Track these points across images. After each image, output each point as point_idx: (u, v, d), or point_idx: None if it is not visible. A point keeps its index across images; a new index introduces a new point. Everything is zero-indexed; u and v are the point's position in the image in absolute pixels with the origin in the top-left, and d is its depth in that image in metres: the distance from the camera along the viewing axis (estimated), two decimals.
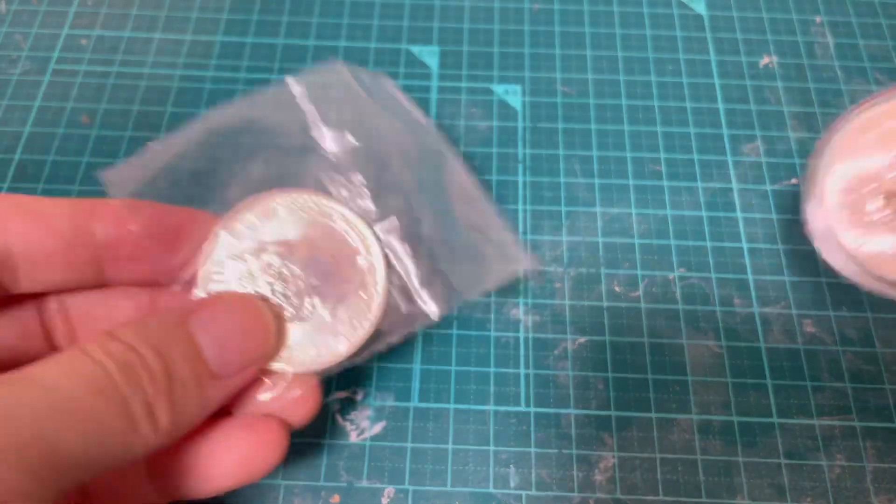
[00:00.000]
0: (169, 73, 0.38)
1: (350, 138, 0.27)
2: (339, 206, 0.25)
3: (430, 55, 0.39)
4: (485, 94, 0.37)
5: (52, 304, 0.24)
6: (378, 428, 0.29)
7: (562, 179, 0.35)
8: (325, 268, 0.24)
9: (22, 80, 0.37)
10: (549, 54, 0.39)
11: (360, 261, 0.25)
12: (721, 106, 0.37)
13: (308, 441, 0.29)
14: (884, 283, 0.22)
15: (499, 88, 0.38)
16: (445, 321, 0.31)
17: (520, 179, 0.34)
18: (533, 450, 0.29)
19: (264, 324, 0.23)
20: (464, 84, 0.38)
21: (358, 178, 0.26)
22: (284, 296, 0.24)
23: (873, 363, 0.30)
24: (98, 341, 0.20)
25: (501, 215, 0.28)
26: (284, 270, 0.24)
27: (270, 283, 0.24)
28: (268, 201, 0.25)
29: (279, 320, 0.24)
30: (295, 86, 0.27)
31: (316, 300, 0.24)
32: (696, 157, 0.35)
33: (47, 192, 0.34)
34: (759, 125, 0.37)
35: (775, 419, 0.29)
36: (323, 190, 0.26)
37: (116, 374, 0.19)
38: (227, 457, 0.23)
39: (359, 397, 0.30)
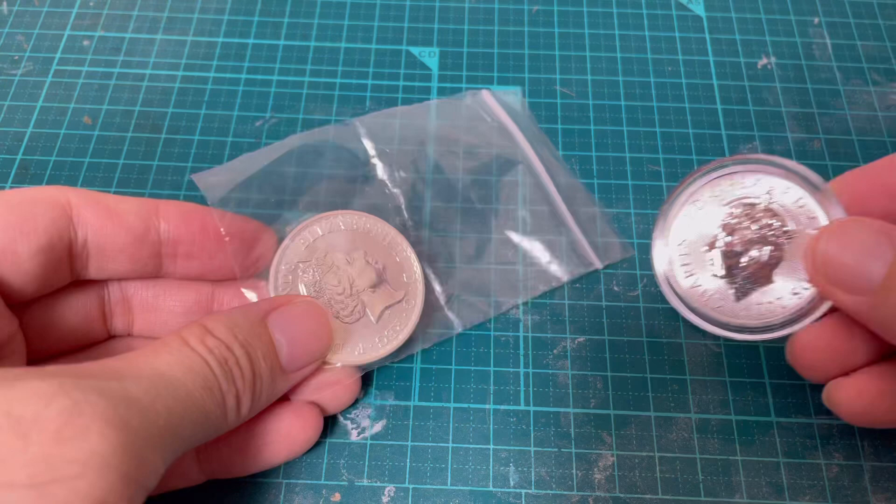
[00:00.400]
0: (171, 73, 0.38)
1: (401, 173, 0.33)
2: (392, 229, 0.30)
3: (430, 56, 0.39)
4: None
5: (114, 292, 0.27)
6: (378, 427, 0.29)
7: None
8: (377, 279, 0.29)
9: (24, 81, 0.38)
10: (548, 55, 0.39)
11: (405, 277, 0.29)
12: (719, 107, 0.37)
13: None
14: (705, 320, 0.26)
15: (499, 89, 0.38)
16: (445, 321, 0.31)
17: (519, 180, 0.35)
18: (532, 448, 0.29)
19: (328, 327, 0.27)
20: (464, 85, 0.38)
21: (402, 207, 0.33)
22: (340, 299, 0.28)
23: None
24: (196, 334, 0.23)
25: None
26: (343, 277, 0.29)
27: (330, 288, 0.28)
28: (332, 217, 0.30)
29: (334, 328, 0.27)
30: (359, 126, 0.34)
31: (366, 305, 0.29)
32: (694, 157, 0.36)
33: None
34: (757, 126, 0.37)
35: (773, 418, 0.29)
36: (377, 213, 0.31)
37: (217, 371, 0.22)
38: (273, 438, 0.26)
39: (360, 396, 0.30)
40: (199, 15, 0.40)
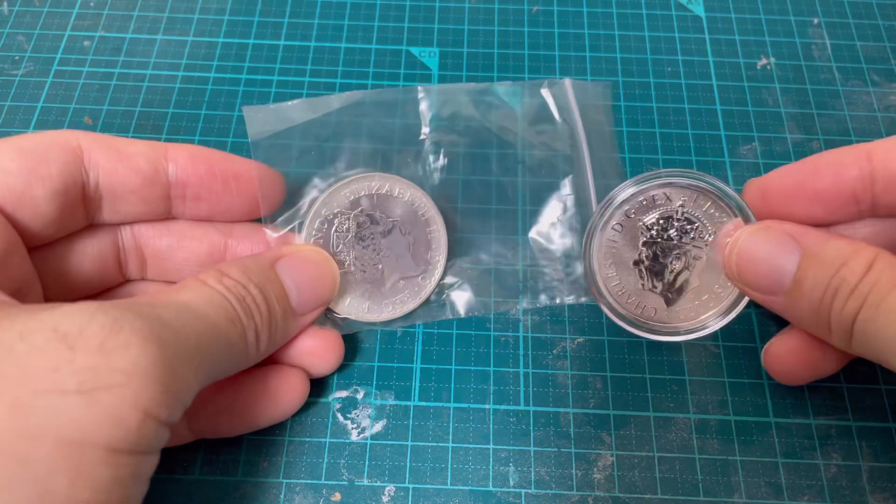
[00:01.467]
0: (171, 74, 0.38)
1: (442, 157, 0.34)
2: (433, 208, 0.31)
3: (430, 56, 0.39)
4: None
5: (127, 239, 0.28)
6: (379, 426, 0.29)
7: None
8: (403, 248, 0.30)
9: (25, 81, 0.38)
10: (548, 56, 0.39)
11: (430, 255, 0.31)
12: (719, 107, 0.37)
13: (309, 439, 0.29)
14: (644, 330, 0.29)
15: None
16: (446, 321, 0.31)
17: (519, 180, 0.35)
18: (532, 448, 0.29)
19: (332, 275, 0.28)
20: None
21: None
22: (364, 256, 0.30)
23: (868, 363, 0.31)
24: (214, 276, 0.24)
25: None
26: (374, 240, 0.30)
27: (359, 246, 0.30)
28: (375, 179, 0.30)
29: (339, 275, 0.29)
30: (420, 91, 0.34)
31: (385, 269, 0.30)
32: (693, 158, 0.36)
33: None
34: (756, 126, 0.37)
35: (772, 418, 0.30)
36: (417, 181, 0.31)
37: (237, 306, 0.23)
38: (259, 399, 0.27)
39: (360, 396, 0.30)
40: (200, 15, 0.40)
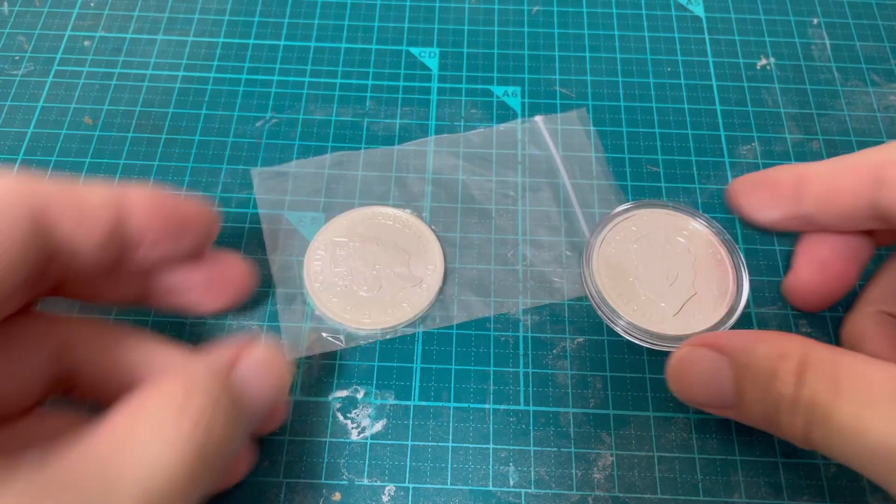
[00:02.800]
0: (171, 74, 0.38)
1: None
2: (425, 227, 0.33)
3: (430, 57, 0.39)
4: (485, 96, 0.38)
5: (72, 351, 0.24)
6: (379, 426, 0.29)
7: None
8: (403, 264, 0.32)
9: (25, 81, 0.38)
10: (548, 56, 0.39)
11: (427, 268, 0.32)
12: (718, 107, 0.37)
13: (310, 439, 0.29)
14: (655, 340, 0.30)
15: (498, 90, 0.38)
16: (448, 323, 0.31)
17: (519, 180, 0.35)
18: (532, 448, 0.29)
19: (286, 376, 0.24)
20: (464, 86, 0.38)
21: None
22: (362, 273, 0.32)
23: None
24: (180, 390, 0.19)
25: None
26: (372, 258, 0.32)
27: (357, 266, 0.32)
28: (372, 209, 0.34)
29: (351, 293, 0.31)
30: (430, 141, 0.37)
31: (386, 283, 0.32)
32: (693, 158, 0.36)
33: None
34: (756, 127, 0.37)
35: None
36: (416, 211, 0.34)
37: (204, 446, 0.19)
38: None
39: (360, 395, 0.30)
40: (200, 15, 0.40)
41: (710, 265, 0.31)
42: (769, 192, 0.28)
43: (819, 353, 0.21)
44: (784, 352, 0.21)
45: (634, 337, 0.30)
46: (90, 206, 0.22)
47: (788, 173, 0.27)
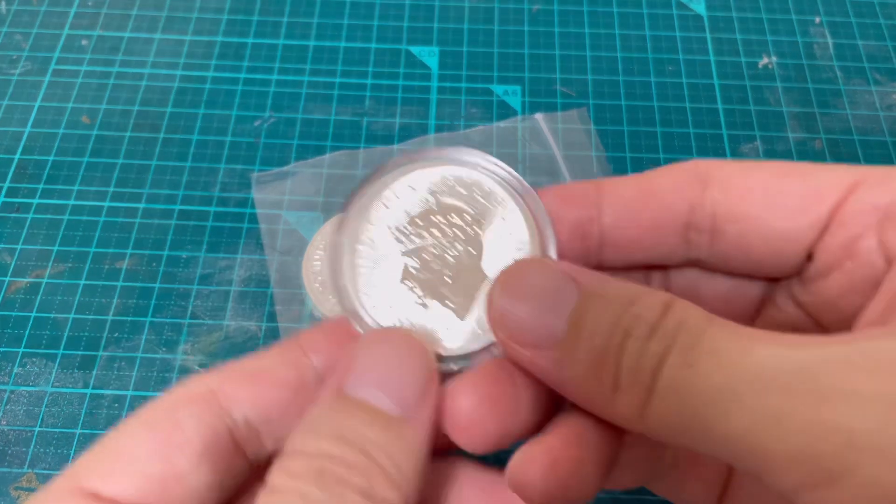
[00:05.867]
0: (169, 73, 0.38)
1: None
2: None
3: (429, 56, 0.39)
4: (485, 95, 0.37)
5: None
6: None
7: (561, 180, 0.35)
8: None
9: (22, 81, 0.37)
10: (548, 55, 0.39)
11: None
12: (720, 106, 0.37)
13: None
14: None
15: (498, 89, 0.38)
16: None
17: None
18: None
19: (416, 350, 0.20)
20: (464, 85, 0.38)
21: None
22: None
23: None
24: (278, 475, 0.17)
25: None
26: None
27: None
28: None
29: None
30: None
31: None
32: (695, 157, 0.35)
33: (47, 192, 0.34)
34: (758, 126, 0.37)
35: None
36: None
37: (316, 489, 0.16)
38: None
39: None
40: (198, 14, 0.40)
41: (501, 230, 0.22)
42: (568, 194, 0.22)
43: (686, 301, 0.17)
44: (649, 289, 0.18)
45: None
46: (266, 370, 0.21)
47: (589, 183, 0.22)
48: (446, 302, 0.21)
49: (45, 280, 0.32)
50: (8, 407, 0.29)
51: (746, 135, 0.36)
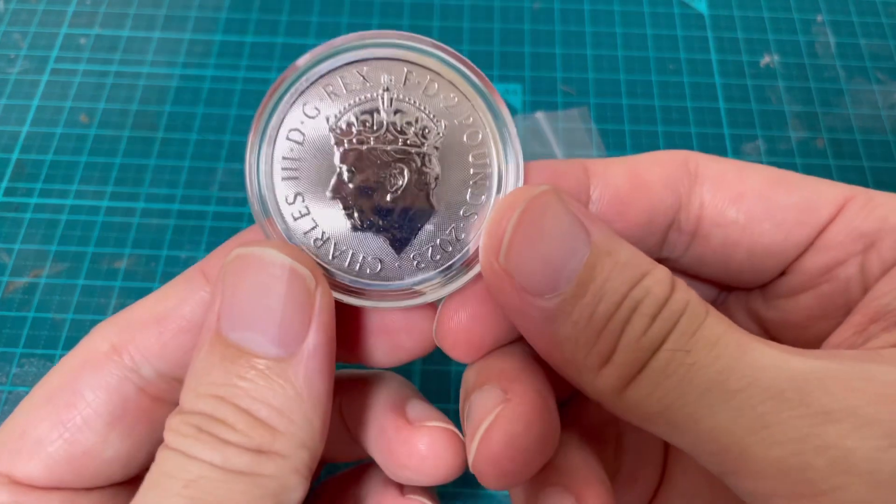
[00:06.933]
0: (168, 72, 0.38)
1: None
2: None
3: None
4: None
5: None
6: None
7: None
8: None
9: (20, 80, 0.37)
10: (549, 53, 0.39)
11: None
12: (722, 105, 0.37)
13: None
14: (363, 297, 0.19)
15: (499, 87, 0.38)
16: None
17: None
18: None
19: (288, 275, 0.17)
20: None
21: None
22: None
23: None
24: (168, 429, 0.16)
25: None
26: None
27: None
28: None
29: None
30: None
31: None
32: None
33: (45, 192, 0.34)
34: (759, 125, 0.37)
35: None
36: None
37: (198, 446, 0.16)
38: None
39: None
40: (197, 13, 0.40)
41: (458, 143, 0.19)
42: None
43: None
44: (655, 262, 0.17)
45: (339, 292, 0.18)
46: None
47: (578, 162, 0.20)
48: (381, 231, 0.18)
49: (42, 280, 0.32)
50: (6, 408, 0.29)
51: (748, 134, 0.36)
